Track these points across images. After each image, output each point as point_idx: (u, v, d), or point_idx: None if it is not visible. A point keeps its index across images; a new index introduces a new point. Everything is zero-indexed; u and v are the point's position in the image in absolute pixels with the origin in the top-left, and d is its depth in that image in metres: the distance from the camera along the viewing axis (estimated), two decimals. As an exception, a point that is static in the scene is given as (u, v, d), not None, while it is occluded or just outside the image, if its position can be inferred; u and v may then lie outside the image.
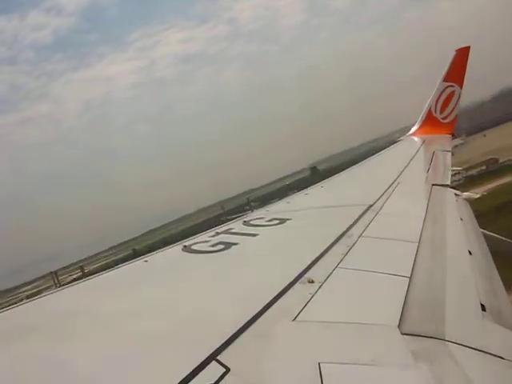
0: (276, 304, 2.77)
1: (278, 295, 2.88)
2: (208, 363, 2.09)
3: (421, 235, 4.29)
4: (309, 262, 3.49)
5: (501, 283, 3.96)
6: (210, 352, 2.17)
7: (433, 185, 7.36)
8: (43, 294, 3.48)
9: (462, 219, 5.54)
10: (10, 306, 3.30)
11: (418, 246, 3.93)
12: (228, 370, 2.04)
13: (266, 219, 5.47)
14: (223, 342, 2.27)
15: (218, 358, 2.13)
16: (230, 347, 2.24)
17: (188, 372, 2.00)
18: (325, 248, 3.84)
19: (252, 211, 7.12)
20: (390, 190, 6.60)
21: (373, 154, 12.75)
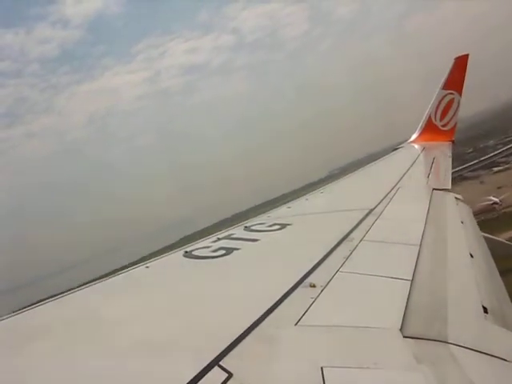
0: (278, 308, 2.76)
1: (279, 300, 2.88)
2: (211, 368, 2.08)
3: (422, 238, 4.29)
4: (310, 267, 3.49)
5: (502, 285, 3.96)
6: (213, 357, 2.16)
7: (433, 189, 7.38)
8: (42, 302, 3.46)
9: (462, 222, 5.55)
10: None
11: (420, 250, 3.93)
12: (231, 375, 2.03)
13: (267, 224, 5.46)
14: (226, 346, 2.26)
15: (221, 363, 2.13)
16: (233, 352, 2.23)
17: (191, 377, 2.00)
18: (326, 252, 3.84)
19: None
20: (391, 194, 6.61)
21: (373, 161, 12.78)
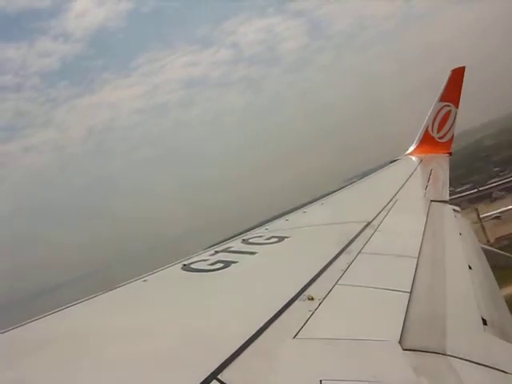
0: (276, 321, 2.74)
1: (277, 313, 2.86)
2: (209, 382, 2.06)
3: (420, 250, 4.29)
4: (308, 279, 3.47)
5: (501, 297, 3.96)
6: (211, 371, 2.14)
7: (431, 201, 7.40)
8: (37, 317, 3.42)
9: (461, 234, 5.56)
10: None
11: (418, 261, 3.93)
12: None
13: (265, 237, 5.46)
14: (224, 360, 2.24)
15: (219, 376, 2.10)
16: (231, 366, 2.21)
17: None
18: (324, 265, 3.83)
19: None
20: (389, 206, 6.61)
21: (371, 173, 12.82)
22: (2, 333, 3.14)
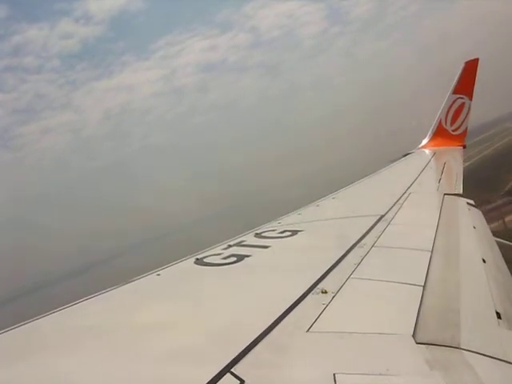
0: (289, 315, 2.76)
1: (291, 306, 2.88)
2: (222, 376, 2.08)
3: (434, 244, 4.28)
4: (322, 273, 3.48)
5: None
6: (225, 364, 2.17)
7: (445, 194, 7.35)
8: (52, 310, 3.47)
9: (475, 227, 5.52)
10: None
11: (431, 255, 3.92)
12: (243, 382, 2.03)
13: (278, 231, 5.48)
14: (237, 353, 2.27)
15: (233, 370, 2.13)
16: (245, 359, 2.23)
17: None
18: (337, 258, 3.84)
19: None
20: (402, 200, 6.60)
21: (384, 166, 12.76)
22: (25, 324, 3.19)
